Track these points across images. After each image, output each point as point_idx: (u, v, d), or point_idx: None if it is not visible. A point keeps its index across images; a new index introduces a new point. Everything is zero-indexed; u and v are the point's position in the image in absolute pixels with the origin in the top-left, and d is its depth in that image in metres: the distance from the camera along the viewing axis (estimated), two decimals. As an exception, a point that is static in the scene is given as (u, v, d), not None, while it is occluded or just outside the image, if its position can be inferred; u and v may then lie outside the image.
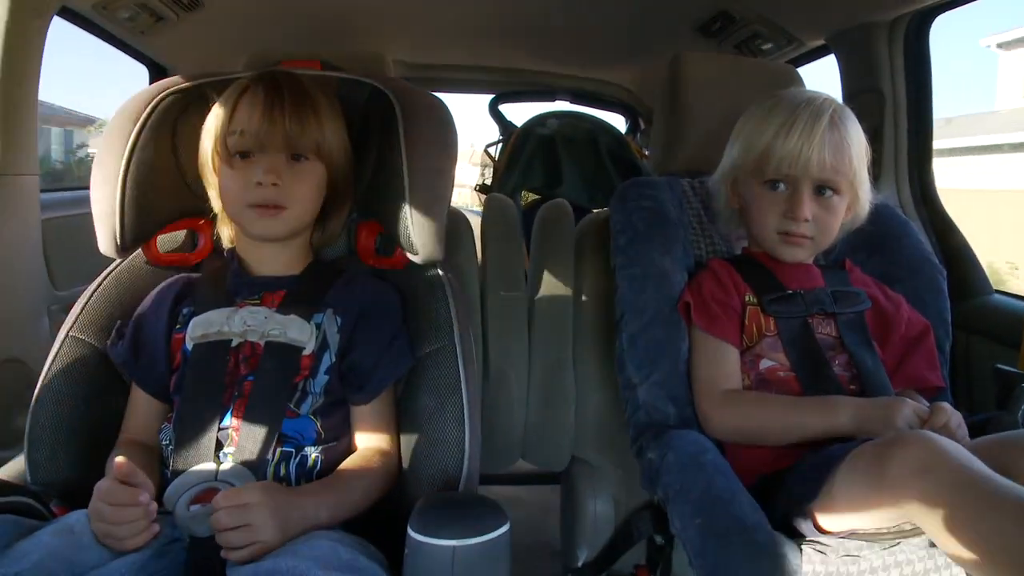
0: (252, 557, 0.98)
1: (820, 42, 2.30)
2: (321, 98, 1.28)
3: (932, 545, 0.99)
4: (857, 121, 1.38)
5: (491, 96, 3.45)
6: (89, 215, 1.32)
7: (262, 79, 1.25)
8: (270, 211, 1.22)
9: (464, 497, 1.16)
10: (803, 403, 1.28)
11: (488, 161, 3.37)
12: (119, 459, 1.00)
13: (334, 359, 1.23)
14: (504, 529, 0.99)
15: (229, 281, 1.29)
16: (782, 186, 1.37)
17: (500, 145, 3.33)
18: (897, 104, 2.02)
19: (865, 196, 1.42)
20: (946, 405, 1.17)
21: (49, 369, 1.26)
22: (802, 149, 1.32)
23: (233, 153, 1.22)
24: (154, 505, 1.00)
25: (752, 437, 1.30)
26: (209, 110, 1.34)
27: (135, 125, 1.30)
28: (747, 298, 1.39)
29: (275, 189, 1.21)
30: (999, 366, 1.38)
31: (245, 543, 0.98)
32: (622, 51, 3.09)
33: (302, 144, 1.23)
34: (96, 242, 1.33)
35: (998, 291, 1.88)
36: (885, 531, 1.03)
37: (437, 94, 1.40)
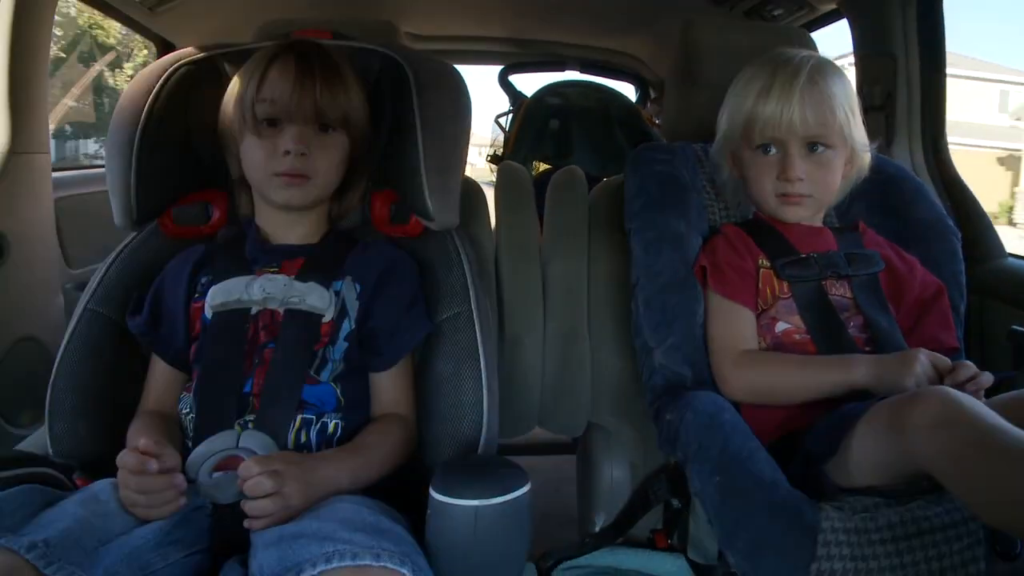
0: (276, 524, 0.99)
1: (832, 6, 2.28)
2: (348, 69, 1.29)
3: (950, 499, 1.00)
4: (842, 73, 1.39)
5: (500, 67, 3.44)
6: (102, 194, 1.33)
7: (292, 48, 1.25)
8: (296, 180, 1.23)
9: (485, 459, 1.17)
10: (820, 361, 1.28)
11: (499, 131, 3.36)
12: (144, 441, 1.00)
13: (353, 326, 1.24)
14: (525, 489, 1.00)
15: (247, 249, 1.30)
16: (772, 149, 1.38)
17: (511, 115, 3.32)
18: (910, 68, 2.00)
19: (862, 146, 1.42)
20: (970, 364, 1.17)
21: (68, 342, 1.27)
22: (783, 110, 1.33)
23: (260, 120, 1.22)
24: (181, 477, 1.01)
25: (770, 396, 1.30)
26: (223, 81, 1.34)
27: (148, 97, 1.31)
28: (760, 262, 1.39)
29: (302, 159, 1.22)
30: (1015, 327, 1.38)
31: (277, 511, 0.99)
32: (632, 19, 3.07)
33: (331, 115, 1.24)
34: (109, 221, 1.34)
35: (1012, 254, 1.87)
36: (903, 487, 1.03)
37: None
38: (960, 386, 1.11)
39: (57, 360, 1.26)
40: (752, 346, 1.34)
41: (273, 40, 1.35)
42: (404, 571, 0.89)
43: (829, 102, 1.34)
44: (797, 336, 1.33)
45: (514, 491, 0.98)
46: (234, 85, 1.27)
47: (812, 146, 1.36)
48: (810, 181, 1.37)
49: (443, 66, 1.37)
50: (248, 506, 1.00)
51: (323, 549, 0.87)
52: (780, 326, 1.34)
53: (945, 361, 1.17)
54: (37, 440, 1.34)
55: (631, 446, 1.63)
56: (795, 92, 1.32)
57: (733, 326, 1.35)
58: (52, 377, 1.25)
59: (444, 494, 0.97)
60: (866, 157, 1.44)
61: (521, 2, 2.98)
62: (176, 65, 1.35)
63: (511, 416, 1.68)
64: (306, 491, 1.03)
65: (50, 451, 1.23)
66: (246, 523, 1.01)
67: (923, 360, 1.16)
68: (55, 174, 2.09)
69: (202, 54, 1.38)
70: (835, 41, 2.36)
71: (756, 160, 1.40)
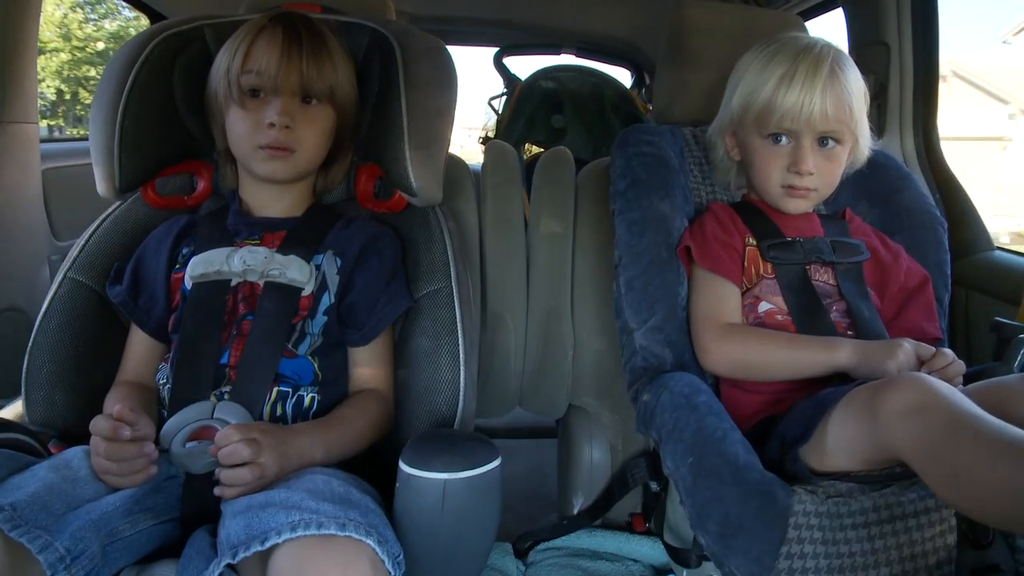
0: (248, 493, 0.99)
1: (828, -6, 2.28)
2: (336, 43, 1.28)
3: (923, 486, 1.00)
4: (855, 67, 1.37)
5: (496, 49, 3.43)
6: (90, 166, 1.32)
7: (280, 20, 1.24)
8: (280, 153, 1.23)
9: (456, 433, 1.17)
10: (804, 339, 1.28)
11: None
12: (118, 408, 0.99)
13: (333, 300, 1.24)
14: (495, 464, 1.00)
15: (230, 221, 1.30)
16: (784, 139, 1.36)
17: (504, 98, 3.31)
18: (903, 57, 2.00)
19: (865, 141, 1.41)
20: (949, 351, 1.17)
21: (47, 311, 1.26)
22: (804, 103, 1.30)
23: (245, 91, 1.22)
24: (152, 446, 1.01)
25: (751, 370, 1.30)
26: (208, 52, 1.34)
27: (133, 66, 1.30)
28: (747, 240, 1.38)
29: (287, 131, 1.21)
30: (997, 319, 1.38)
31: (252, 479, 0.99)
32: (628, 3, 3.06)
33: (317, 88, 1.24)
34: (96, 192, 1.33)
35: (999, 247, 1.87)
36: (877, 473, 1.03)
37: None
38: (937, 373, 1.11)
39: (35, 328, 1.25)
40: (736, 320, 1.33)
41: (261, 13, 1.34)
42: (369, 542, 0.89)
43: (848, 97, 1.32)
44: (779, 317, 1.33)
45: (484, 465, 0.98)
46: (221, 56, 1.26)
47: (823, 140, 1.35)
48: (819, 175, 1.36)
49: (430, 39, 1.36)
50: (224, 474, 1.00)
51: (289, 518, 0.87)
52: (763, 306, 1.34)
53: (929, 350, 1.17)
54: (14, 409, 1.34)
55: (611, 428, 1.63)
56: (818, 83, 1.30)
57: (718, 299, 1.34)
58: (30, 346, 1.25)
59: (413, 466, 0.97)
60: (865, 151, 1.43)
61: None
62: (162, 35, 1.34)
63: (492, 395, 1.68)
64: (281, 461, 1.03)
65: (26, 419, 1.23)
66: (217, 491, 1.01)
67: (907, 348, 1.17)
68: (43, 145, 2.08)
69: (187, 25, 1.37)
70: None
71: (765, 148, 1.38)
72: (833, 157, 1.36)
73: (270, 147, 1.22)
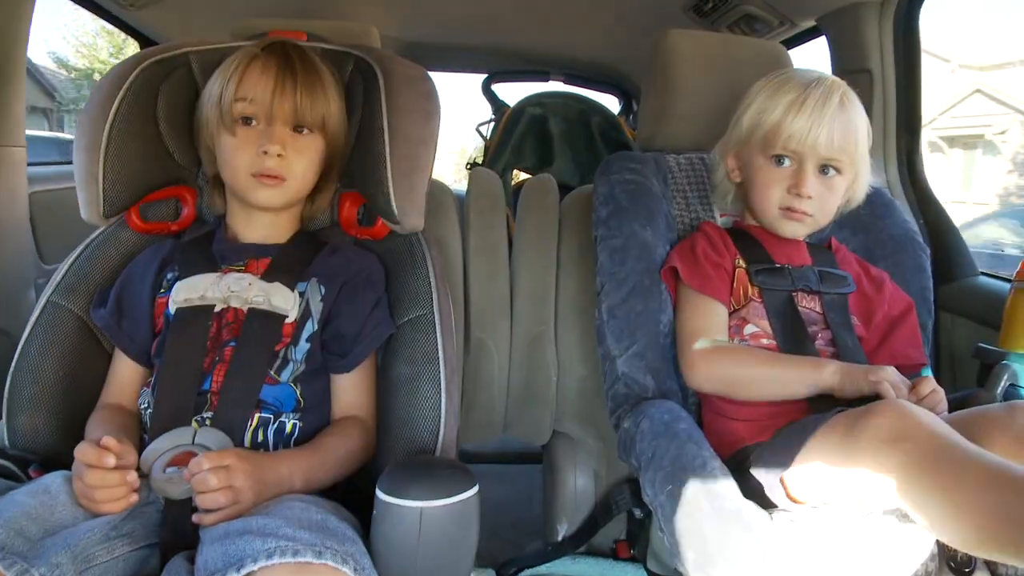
0: (226, 519, 0.98)
1: (811, 23, 2.30)
2: (328, 72, 1.29)
3: (904, 514, 1.00)
4: (862, 107, 1.39)
5: (484, 75, 3.45)
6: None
7: (273, 49, 1.25)
8: (272, 181, 1.23)
9: (433, 460, 1.16)
10: (788, 357, 1.29)
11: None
12: (106, 438, 0.99)
13: (316, 327, 1.24)
14: (472, 492, 0.99)
15: (215, 247, 1.30)
16: (787, 161, 1.38)
17: (492, 124, 3.33)
18: (886, 84, 2.02)
19: (864, 179, 1.43)
20: (931, 378, 1.17)
21: (29, 335, 1.26)
22: (811, 127, 1.33)
23: (238, 118, 1.23)
24: (134, 475, 1.01)
25: (736, 387, 1.30)
26: (193, 79, 1.34)
27: (118, 92, 1.31)
28: (737, 261, 1.40)
29: (279, 160, 1.22)
30: (980, 344, 1.39)
31: (228, 504, 0.99)
32: (616, 31, 3.08)
33: (309, 118, 1.25)
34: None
35: (983, 272, 1.88)
36: (858, 500, 1.03)
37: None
38: (919, 400, 1.12)
39: (17, 353, 1.25)
40: (723, 338, 1.34)
41: (247, 40, 1.34)
42: (345, 570, 0.88)
43: (854, 130, 1.35)
44: (764, 341, 1.34)
45: (460, 493, 0.98)
46: (212, 84, 1.27)
47: (824, 168, 1.37)
48: (817, 200, 1.37)
49: (414, 68, 1.36)
50: (199, 499, 1.00)
51: (266, 545, 0.87)
52: (749, 328, 1.35)
53: (906, 382, 1.18)
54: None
55: (595, 455, 1.63)
56: (828, 112, 1.32)
57: (705, 317, 1.35)
58: (12, 369, 1.24)
59: (390, 494, 0.97)
60: (863, 191, 1.45)
61: (505, 11, 2.98)
62: (147, 62, 1.34)
63: (476, 422, 1.68)
64: (257, 487, 1.02)
65: (6, 443, 1.22)
66: (195, 517, 1.00)
67: (890, 371, 1.17)
68: (30, 168, 2.08)
69: (172, 52, 1.37)
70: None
71: (768, 169, 1.39)
72: (832, 186, 1.38)
73: (263, 175, 1.23)
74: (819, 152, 1.34)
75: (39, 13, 1.94)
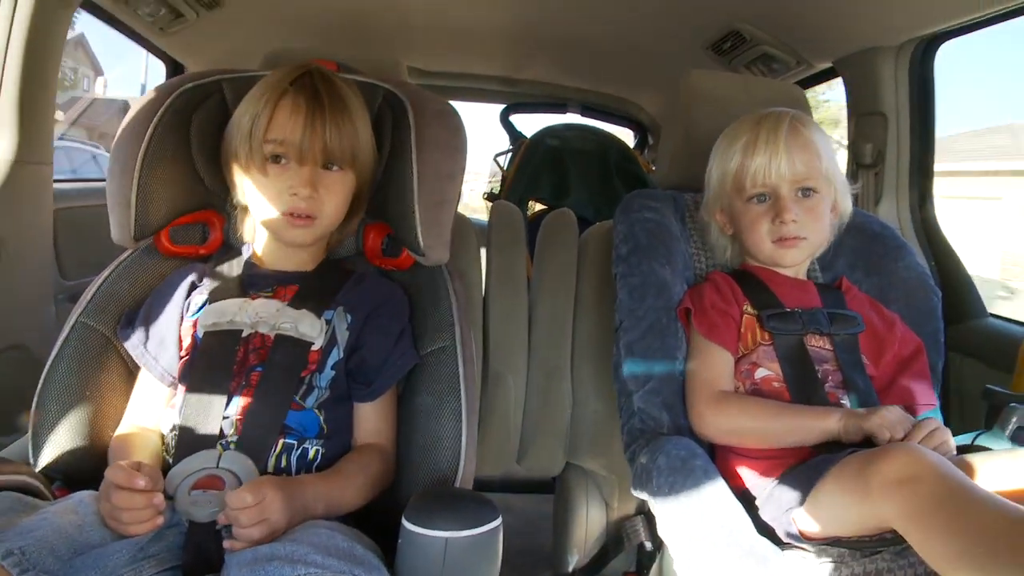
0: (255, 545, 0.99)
1: (828, 64, 2.33)
2: (356, 103, 1.30)
3: (913, 554, 1.01)
4: (818, 126, 1.45)
5: (503, 106, 3.48)
6: (100, 207, 1.34)
7: (301, 84, 1.25)
8: (303, 222, 1.25)
9: (458, 492, 1.18)
10: (794, 408, 1.31)
11: (497, 169, 3.40)
12: (137, 462, 1.01)
13: (342, 355, 1.25)
14: (496, 523, 1.01)
15: (243, 273, 1.32)
16: (765, 198, 1.42)
17: (509, 155, 3.35)
18: (900, 127, 2.05)
19: (845, 194, 1.48)
20: (932, 420, 1.19)
21: (57, 355, 1.27)
22: (770, 159, 1.39)
23: (268, 157, 1.24)
24: (161, 497, 1.02)
25: (745, 436, 1.32)
26: (226, 106, 1.37)
27: (152, 118, 1.33)
28: (745, 308, 1.42)
29: (309, 200, 1.24)
30: (989, 387, 1.40)
31: (261, 536, 1.00)
32: (634, 66, 3.11)
33: (339, 155, 1.26)
34: (106, 234, 1.35)
35: (992, 315, 1.90)
36: (867, 539, 1.05)
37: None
38: (925, 441, 1.13)
39: (45, 371, 1.27)
40: (728, 388, 1.36)
41: (278, 67, 1.36)
42: None
43: (813, 147, 1.41)
44: (776, 384, 1.35)
45: (485, 524, 0.99)
46: (241, 115, 1.27)
47: (802, 192, 1.41)
48: (803, 223, 1.41)
49: (443, 104, 1.39)
50: (236, 532, 1.01)
51: (295, 572, 0.88)
52: (760, 372, 1.36)
53: (912, 420, 1.20)
54: (20, 448, 1.35)
55: (607, 487, 1.64)
56: (780, 141, 1.39)
57: (714, 367, 1.37)
58: (39, 388, 1.25)
59: (416, 524, 0.98)
60: (848, 205, 1.49)
61: (525, 44, 3.02)
62: (181, 89, 1.37)
63: (489, 452, 1.69)
64: (289, 515, 1.04)
65: (32, 461, 1.24)
66: (227, 544, 1.01)
67: (894, 409, 1.20)
68: (56, 185, 2.11)
69: (206, 79, 1.40)
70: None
71: (749, 210, 1.44)
72: (814, 206, 1.42)
73: (294, 216, 1.24)
74: (787, 178, 1.40)
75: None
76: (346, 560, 0.93)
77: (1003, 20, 1.77)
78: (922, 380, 1.44)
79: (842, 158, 2.13)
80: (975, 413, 1.66)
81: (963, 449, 1.21)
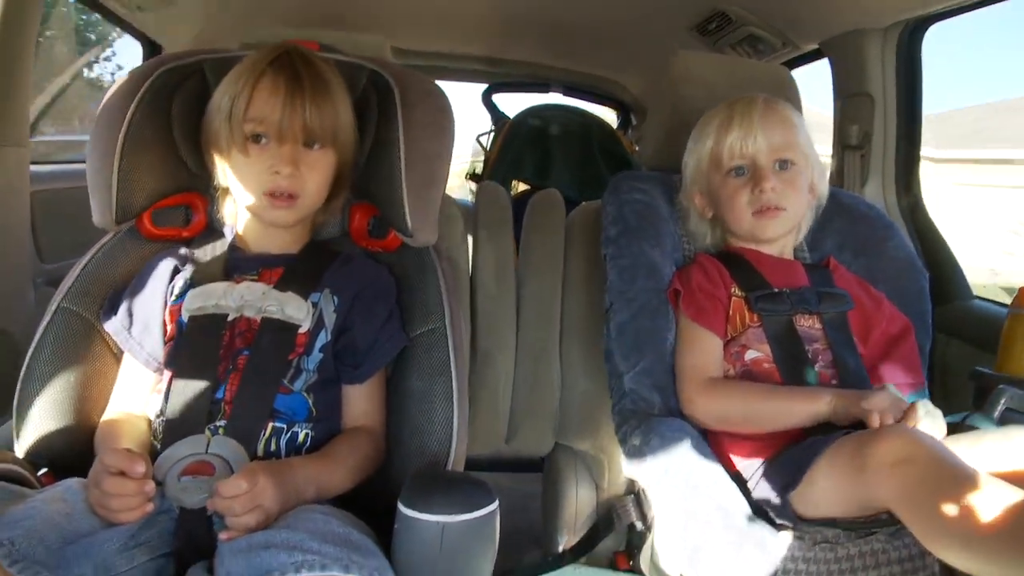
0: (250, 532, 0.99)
1: (814, 46, 2.33)
2: (337, 83, 1.28)
3: (907, 535, 1.02)
4: (795, 108, 1.48)
5: (485, 86, 3.46)
6: (79, 189, 1.32)
7: (280, 64, 1.24)
8: (285, 201, 1.24)
9: (454, 475, 1.18)
10: (784, 390, 1.31)
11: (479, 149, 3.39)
12: (130, 451, 1.00)
13: (329, 338, 1.24)
14: (492, 508, 1.01)
15: (227, 256, 1.30)
16: (744, 170, 1.43)
17: (492, 135, 3.34)
18: (887, 108, 2.05)
19: (822, 176, 1.50)
20: (924, 403, 1.19)
21: (39, 340, 1.26)
22: (747, 133, 1.41)
23: (248, 136, 1.22)
24: (151, 484, 1.00)
25: (735, 421, 1.32)
26: (207, 86, 1.34)
27: (132, 100, 1.30)
28: (733, 290, 1.42)
29: (291, 179, 1.22)
30: (977, 368, 1.41)
31: (255, 524, 0.99)
32: (619, 47, 3.10)
33: (319, 134, 1.24)
34: (84, 217, 1.33)
35: (978, 296, 1.92)
36: (862, 520, 1.06)
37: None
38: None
39: (27, 357, 1.25)
40: (718, 373, 1.36)
41: (258, 47, 1.34)
42: None
43: (789, 121, 1.43)
44: (766, 365, 1.36)
45: (481, 509, 0.99)
46: (221, 96, 1.26)
47: (779, 164, 1.42)
48: (782, 193, 1.41)
49: (430, 84, 1.38)
50: (230, 522, 1.00)
51: (292, 559, 0.87)
52: (750, 354, 1.37)
53: (904, 403, 1.20)
54: (3, 434, 1.33)
55: (597, 467, 1.64)
56: (755, 117, 1.40)
57: (702, 352, 1.37)
58: (22, 374, 1.24)
59: (412, 508, 0.98)
60: (825, 185, 1.51)
61: (508, 24, 3.00)
62: (160, 69, 1.35)
63: (478, 431, 1.69)
64: (281, 500, 1.03)
65: (16, 449, 1.22)
66: (223, 535, 0.99)
67: (886, 394, 1.20)
68: (33, 168, 2.07)
69: (187, 60, 1.38)
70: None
71: (728, 183, 1.44)
72: (792, 178, 1.43)
73: (276, 195, 1.23)
74: (764, 150, 1.41)
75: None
76: (343, 546, 0.93)
77: (989, 4, 1.78)
78: (910, 360, 1.45)
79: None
80: (960, 393, 1.67)
81: (952, 429, 1.22)
